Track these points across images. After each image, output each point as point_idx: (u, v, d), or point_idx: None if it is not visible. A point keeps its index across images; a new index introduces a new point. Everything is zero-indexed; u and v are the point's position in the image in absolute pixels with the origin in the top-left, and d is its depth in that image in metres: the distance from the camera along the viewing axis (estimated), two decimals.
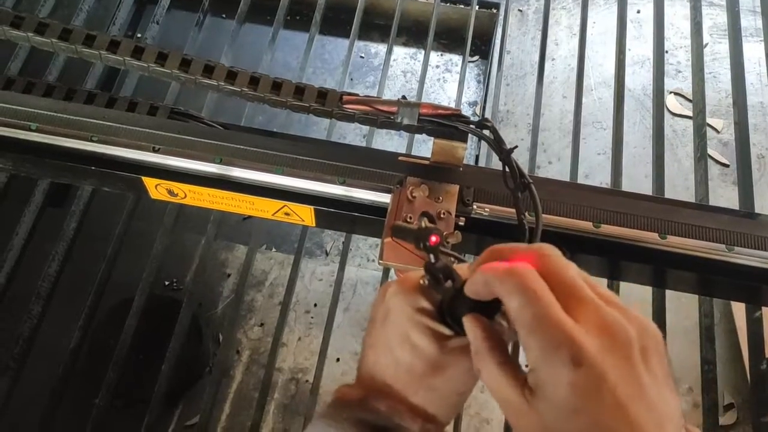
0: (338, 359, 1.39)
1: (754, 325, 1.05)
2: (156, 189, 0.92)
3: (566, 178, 1.54)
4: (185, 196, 0.92)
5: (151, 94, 1.03)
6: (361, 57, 2.20)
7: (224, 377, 1.32)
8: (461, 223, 0.79)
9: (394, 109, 0.74)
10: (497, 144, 0.73)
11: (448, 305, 0.47)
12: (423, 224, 0.53)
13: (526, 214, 0.74)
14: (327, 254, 1.60)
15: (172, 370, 1.04)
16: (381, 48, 2.20)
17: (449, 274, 0.47)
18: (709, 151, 1.65)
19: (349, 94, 0.76)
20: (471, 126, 0.74)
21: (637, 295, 1.13)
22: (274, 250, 1.60)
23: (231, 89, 0.76)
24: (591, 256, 0.82)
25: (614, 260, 0.84)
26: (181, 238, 1.42)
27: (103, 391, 1.02)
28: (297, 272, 1.06)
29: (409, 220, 0.68)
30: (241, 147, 0.83)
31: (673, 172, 1.60)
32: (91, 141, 0.87)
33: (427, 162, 0.81)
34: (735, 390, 1.36)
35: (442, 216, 0.73)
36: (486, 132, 0.75)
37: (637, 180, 1.44)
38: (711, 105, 1.74)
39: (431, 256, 0.48)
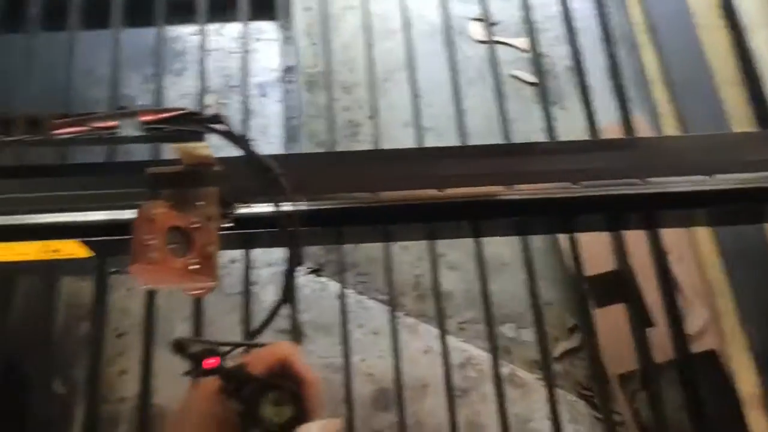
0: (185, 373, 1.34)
1: (572, 248, 1.08)
2: None
3: (387, 131, 1.54)
4: None
5: None
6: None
7: (65, 422, 1.26)
8: (228, 225, 0.76)
9: (113, 123, 0.69)
10: (235, 139, 0.69)
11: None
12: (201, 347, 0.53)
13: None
14: None
15: None
16: (180, 30, 2.09)
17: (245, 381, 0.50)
18: (518, 73, 1.69)
19: (62, 115, 0.69)
20: (203, 125, 0.69)
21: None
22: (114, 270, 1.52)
23: None
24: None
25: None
26: None
27: None
28: (103, 293, 1.00)
29: (150, 242, 0.64)
30: None
31: (488, 104, 1.62)
32: None
33: (179, 168, 0.77)
34: (577, 312, 1.42)
35: (195, 225, 0.69)
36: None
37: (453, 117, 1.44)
38: (514, 24, 1.77)
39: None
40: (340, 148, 1.69)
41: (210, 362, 0.48)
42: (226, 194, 0.75)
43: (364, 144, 1.68)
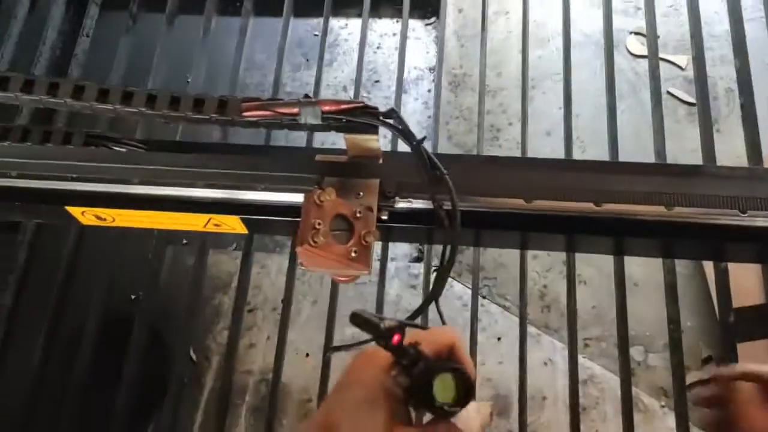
0: (307, 354, 1.40)
1: (721, 276, 1.04)
2: (83, 216, 0.93)
3: (525, 138, 1.53)
4: (113, 219, 0.92)
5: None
6: (315, 35, 2.18)
7: (195, 385, 1.33)
8: (384, 217, 0.79)
9: (295, 110, 0.73)
10: (406, 136, 0.72)
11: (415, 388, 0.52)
12: (384, 323, 0.54)
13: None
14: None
15: (138, 385, 1.06)
16: (334, 23, 2.17)
17: (417, 360, 0.52)
18: (674, 91, 1.63)
19: (250, 99, 0.75)
20: (378, 119, 0.73)
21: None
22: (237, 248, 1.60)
23: (128, 111, 0.75)
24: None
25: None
26: (145, 248, 1.43)
27: (65, 420, 1.03)
28: (248, 271, 1.06)
29: (318, 226, 0.68)
30: (155, 167, 0.83)
31: (637, 118, 1.59)
32: (11, 177, 0.88)
33: (345, 158, 0.81)
34: (712, 343, 1.37)
35: (358, 215, 0.73)
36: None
37: (601, 132, 1.42)
38: (674, 41, 1.72)
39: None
40: (478, 152, 1.70)
41: (396, 338, 0.51)
42: (387, 187, 0.78)
43: (504, 150, 1.69)
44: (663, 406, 1.34)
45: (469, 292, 1.43)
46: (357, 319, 0.55)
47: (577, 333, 1.00)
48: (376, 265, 1.06)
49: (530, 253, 1.52)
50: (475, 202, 0.83)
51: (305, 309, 1.42)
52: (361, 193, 0.77)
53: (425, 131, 1.97)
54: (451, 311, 1.43)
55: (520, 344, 1.01)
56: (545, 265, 1.50)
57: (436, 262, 1.58)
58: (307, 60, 2.13)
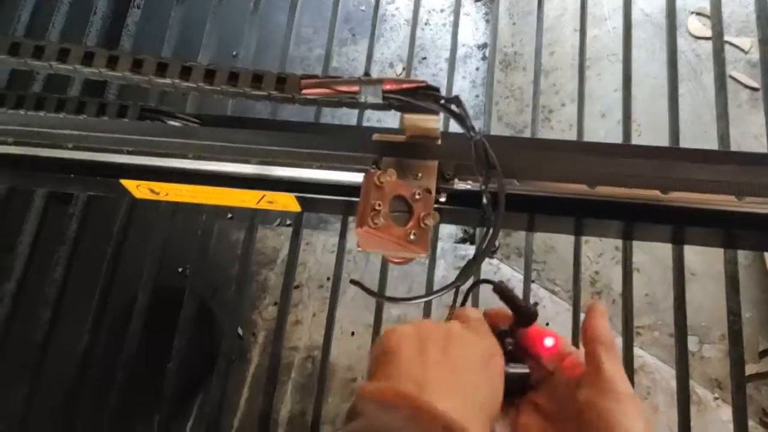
0: (353, 333, 1.40)
1: None
2: (138, 189, 0.93)
3: (582, 120, 1.49)
4: (167, 193, 0.93)
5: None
6: (363, 10, 2.16)
7: (241, 361, 1.34)
8: (443, 200, 0.78)
9: (356, 88, 0.72)
10: (467, 126, 0.71)
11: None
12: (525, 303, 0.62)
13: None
14: None
15: (186, 360, 1.07)
16: None
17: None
18: (736, 75, 1.57)
19: (309, 76, 0.74)
20: (439, 104, 0.71)
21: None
22: (288, 222, 1.60)
23: (187, 86, 0.74)
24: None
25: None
26: (194, 222, 1.43)
27: (114, 392, 1.05)
28: (297, 249, 1.05)
29: (378, 207, 0.67)
30: (211, 143, 0.83)
31: (698, 102, 1.54)
32: (67, 149, 0.89)
33: (402, 138, 0.80)
34: None
35: (417, 196, 0.71)
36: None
37: (658, 115, 1.38)
38: (738, 22, 1.65)
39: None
40: (528, 133, 1.67)
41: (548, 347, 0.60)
42: (446, 169, 0.77)
43: (556, 131, 1.66)
44: (716, 398, 1.31)
45: (517, 275, 1.42)
46: (501, 291, 0.63)
47: (632, 321, 0.98)
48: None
49: (582, 238, 1.49)
50: (531, 186, 0.82)
51: (351, 287, 1.42)
52: (420, 175, 0.76)
53: (473, 110, 1.95)
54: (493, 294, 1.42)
55: (572, 333, 0.99)
56: (597, 250, 1.48)
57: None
58: (353, 35, 2.12)
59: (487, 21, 2.02)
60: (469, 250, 1.50)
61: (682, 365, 0.95)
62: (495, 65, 1.83)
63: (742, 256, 1.38)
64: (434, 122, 0.76)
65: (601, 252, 1.46)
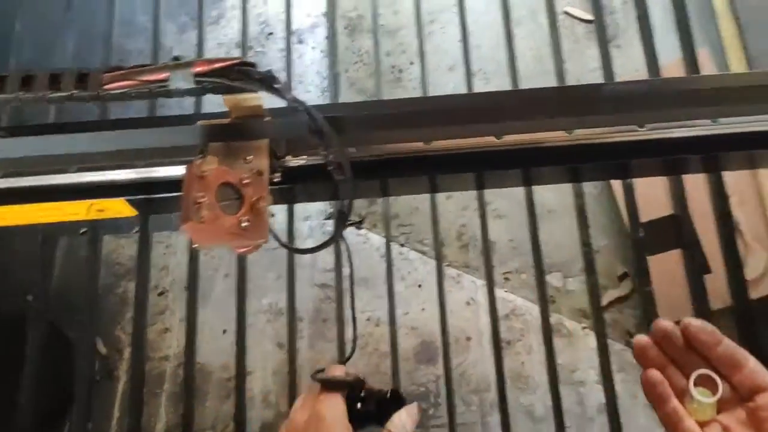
0: (224, 331, 1.38)
1: (627, 193, 1.06)
2: None
3: (431, 77, 1.51)
4: None
5: None
6: None
7: (109, 380, 1.29)
8: (278, 179, 0.76)
9: (164, 75, 0.69)
10: (287, 99, 0.69)
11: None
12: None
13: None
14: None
15: (42, 391, 1.01)
16: None
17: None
18: (571, 10, 1.64)
19: (113, 69, 0.70)
20: (254, 80, 0.69)
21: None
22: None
23: None
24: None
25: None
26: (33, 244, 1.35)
27: None
28: (147, 253, 1.01)
29: (201, 199, 0.64)
30: (20, 156, 0.77)
31: (538, 42, 1.59)
32: None
33: (228, 120, 0.77)
34: (626, 259, 1.41)
35: (247, 181, 0.69)
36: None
37: (503, 62, 1.41)
38: None
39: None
40: (383, 96, 1.67)
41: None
42: (276, 147, 0.75)
43: (408, 90, 1.67)
44: (585, 328, 1.38)
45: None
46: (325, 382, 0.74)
47: (492, 269, 1.01)
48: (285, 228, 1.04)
49: (444, 194, 1.52)
50: (373, 151, 0.82)
51: (218, 284, 1.39)
52: (250, 157, 0.74)
53: (326, 81, 1.93)
54: (370, 264, 1.43)
55: (438, 288, 1.01)
56: (460, 203, 1.51)
57: (351, 217, 1.57)
58: (193, 19, 2.04)
59: None
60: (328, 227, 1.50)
61: (543, 305, 0.99)
62: (337, 31, 1.82)
63: (592, 186, 1.45)
64: (257, 100, 0.74)
65: (465, 205, 1.49)
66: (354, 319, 0.92)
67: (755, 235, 1.26)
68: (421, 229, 1.49)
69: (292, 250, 0.75)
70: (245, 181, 0.69)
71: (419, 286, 1.42)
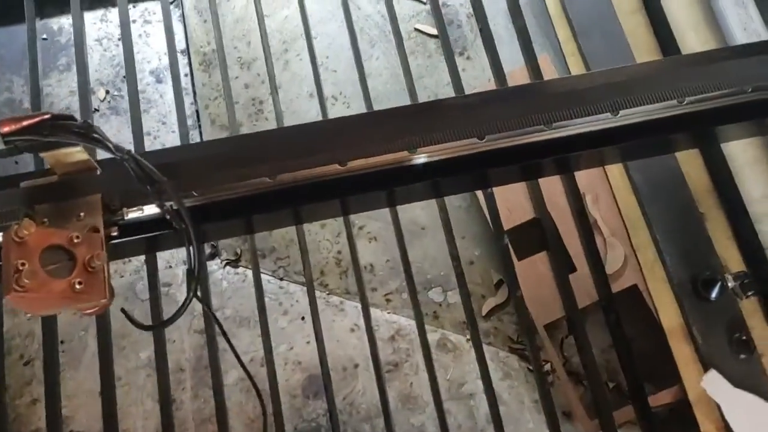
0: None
1: (489, 201, 1.09)
2: None
3: (293, 104, 1.51)
4: None
5: None
6: (44, 39, 1.99)
7: None
8: (115, 233, 0.73)
9: None
10: (110, 149, 0.66)
11: None
12: None
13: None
14: None
15: None
16: (63, 21, 2.00)
17: None
18: (421, 26, 1.67)
19: None
20: (73, 133, 0.66)
21: None
22: None
23: None
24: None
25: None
26: None
27: None
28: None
29: (21, 266, 0.60)
30: None
31: (392, 60, 1.61)
32: None
33: (54, 179, 0.73)
34: (500, 266, 1.44)
35: (77, 240, 0.66)
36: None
37: (359, 83, 1.42)
38: None
39: None
40: (244, 129, 1.65)
41: None
42: (110, 200, 0.72)
43: (270, 121, 1.65)
44: (468, 340, 1.39)
45: (265, 277, 1.40)
46: None
47: (365, 292, 1.00)
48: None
49: (318, 223, 1.51)
50: (224, 191, 0.80)
51: (90, 343, 1.32)
52: (83, 214, 0.70)
53: (190, 120, 1.89)
54: (251, 303, 1.39)
55: (312, 318, 1.00)
56: (335, 230, 1.50)
57: (226, 255, 1.53)
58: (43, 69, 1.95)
59: (184, 24, 1.96)
60: (213, 266, 1.45)
61: (418, 319, 0.99)
62: (194, 67, 1.79)
63: (461, 198, 1.47)
64: (81, 153, 0.71)
65: (339, 231, 1.49)
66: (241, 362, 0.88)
67: (612, 230, 1.32)
68: (299, 261, 1.47)
69: (139, 326, 0.71)
70: (76, 241, 0.66)
71: (302, 318, 1.40)
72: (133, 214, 0.74)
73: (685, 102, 0.83)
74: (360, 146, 0.81)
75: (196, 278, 0.74)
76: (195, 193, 0.76)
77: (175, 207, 0.71)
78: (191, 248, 0.73)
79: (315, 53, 1.26)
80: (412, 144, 0.82)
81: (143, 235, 0.76)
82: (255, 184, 0.80)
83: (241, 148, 0.84)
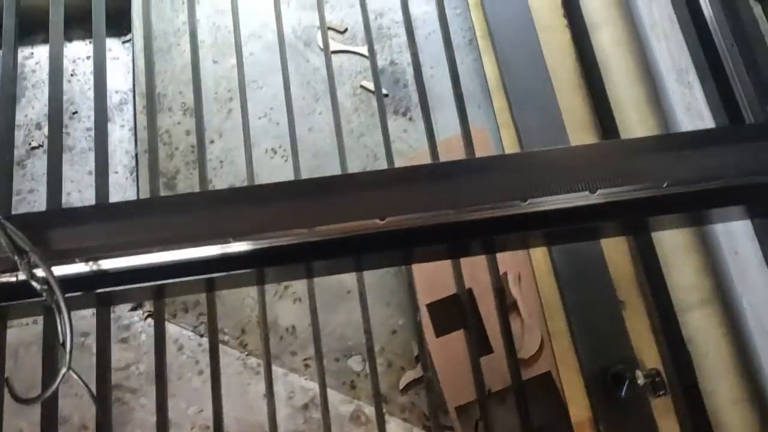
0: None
1: (407, 276, 1.07)
2: None
3: (234, 154, 1.48)
4: None
5: None
6: None
7: None
8: None
9: None
10: None
11: None
12: None
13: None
14: None
15: None
16: (26, 50, 1.99)
17: None
18: (366, 84, 1.65)
19: None
20: None
21: None
22: None
23: None
24: None
25: None
26: None
27: None
28: None
29: None
30: None
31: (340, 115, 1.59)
32: None
33: None
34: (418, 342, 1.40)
35: None
36: None
37: (302, 137, 1.39)
38: (362, 31, 1.74)
39: None
40: (181, 176, 1.62)
41: None
42: None
43: (208, 170, 1.62)
44: (385, 413, 1.35)
45: (186, 332, 1.36)
46: None
47: (270, 360, 0.97)
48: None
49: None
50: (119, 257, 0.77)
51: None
52: None
53: (134, 161, 1.86)
54: (169, 358, 1.34)
55: (212, 384, 0.96)
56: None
57: (149, 306, 1.48)
58: None
59: (134, 65, 1.94)
60: (134, 318, 1.41)
61: (320, 379, 0.96)
62: (138, 110, 1.77)
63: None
64: None
65: (266, 290, 1.45)
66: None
67: (531, 312, 1.29)
68: (221, 318, 1.43)
69: (18, 400, 0.67)
70: None
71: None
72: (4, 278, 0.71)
73: (596, 193, 0.81)
74: (269, 220, 0.79)
75: (70, 351, 0.71)
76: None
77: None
78: (63, 318, 0.70)
79: (248, 108, 1.24)
80: (308, 222, 0.79)
81: (13, 302, 0.73)
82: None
83: (127, 217, 0.80)
